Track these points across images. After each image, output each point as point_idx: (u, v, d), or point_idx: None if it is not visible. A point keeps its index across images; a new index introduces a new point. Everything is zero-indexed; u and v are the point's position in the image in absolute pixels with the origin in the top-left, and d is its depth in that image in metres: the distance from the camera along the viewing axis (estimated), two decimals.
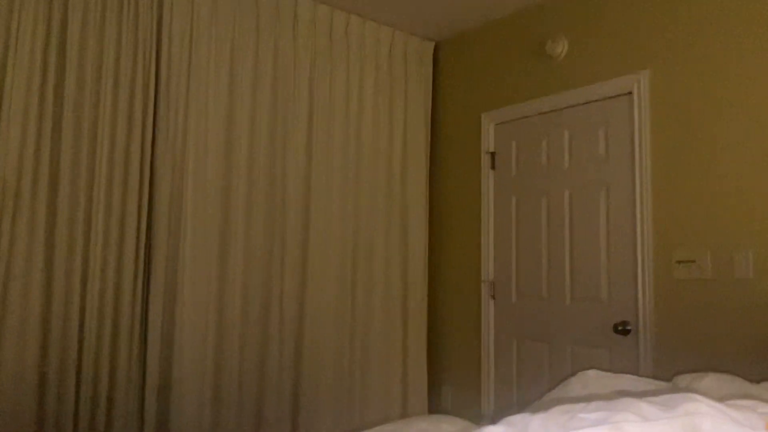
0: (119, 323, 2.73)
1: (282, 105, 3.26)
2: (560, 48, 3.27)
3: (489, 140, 3.65)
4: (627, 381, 1.65)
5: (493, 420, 2.85)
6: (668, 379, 2.26)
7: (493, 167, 3.62)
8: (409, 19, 3.69)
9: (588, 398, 1.25)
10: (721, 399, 1.18)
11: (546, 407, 0.91)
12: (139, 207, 2.81)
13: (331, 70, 3.47)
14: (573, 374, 1.92)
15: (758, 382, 2.01)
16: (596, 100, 3.14)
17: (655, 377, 2.71)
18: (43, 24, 2.61)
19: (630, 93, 2.99)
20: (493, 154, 3.63)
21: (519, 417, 0.83)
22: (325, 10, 3.47)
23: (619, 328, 2.91)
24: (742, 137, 2.58)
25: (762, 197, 2.51)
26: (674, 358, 2.72)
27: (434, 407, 3.76)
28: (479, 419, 3.47)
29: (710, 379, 1.54)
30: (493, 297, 3.54)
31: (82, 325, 2.65)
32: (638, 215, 2.90)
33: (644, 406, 0.83)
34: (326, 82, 3.44)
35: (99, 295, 2.68)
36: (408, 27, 3.79)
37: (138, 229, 2.80)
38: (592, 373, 1.75)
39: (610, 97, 3.08)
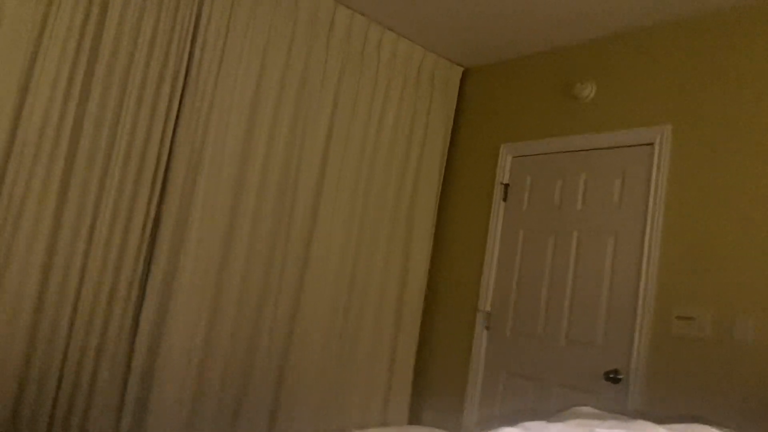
0: (114, 302, 2.70)
1: (304, 110, 3.27)
2: (588, 91, 3.31)
3: (504, 171, 3.66)
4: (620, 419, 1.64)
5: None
6: None
7: (505, 199, 3.64)
8: (442, 42, 3.73)
9: (602, 416, 1.24)
10: None
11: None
12: (150, 195, 2.79)
13: (359, 81, 3.49)
14: (564, 409, 1.91)
15: None
16: (617, 147, 3.16)
17: None
18: (84, 4, 2.62)
19: (651, 144, 3.01)
20: (506, 186, 3.64)
21: (536, 423, 0.82)
22: (362, 21, 3.50)
23: (610, 375, 2.89)
24: (755, 201, 2.60)
25: None
26: (663, 412, 2.69)
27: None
28: None
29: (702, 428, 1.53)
30: (488, 328, 3.53)
31: (76, 303, 2.61)
32: (644, 266, 2.90)
33: (660, 429, 0.82)
34: (352, 93, 3.46)
35: (98, 272, 2.66)
36: (439, 49, 3.83)
37: (146, 215, 2.78)
38: (586, 409, 1.74)
39: (631, 146, 3.10)
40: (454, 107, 3.98)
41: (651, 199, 2.95)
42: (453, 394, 3.59)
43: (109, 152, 2.69)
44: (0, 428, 2.41)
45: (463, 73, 4.06)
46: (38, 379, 2.51)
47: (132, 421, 2.74)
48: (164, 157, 2.84)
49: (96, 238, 2.65)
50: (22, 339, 2.48)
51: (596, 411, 1.69)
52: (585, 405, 1.93)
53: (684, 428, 0.87)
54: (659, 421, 2.47)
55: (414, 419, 3.74)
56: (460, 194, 3.89)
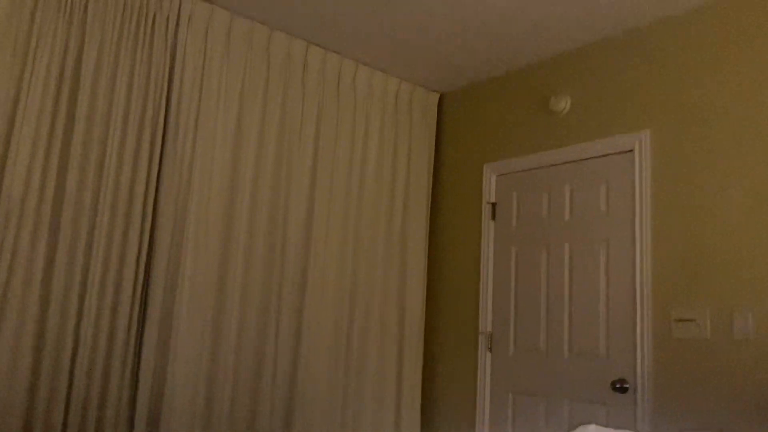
0: (112, 353, 2.69)
1: (287, 150, 3.30)
2: (563, 104, 3.34)
3: (490, 191, 3.68)
4: None
5: None
6: None
7: (493, 218, 3.65)
8: (416, 71, 3.78)
9: None
10: None
11: None
12: (140, 247, 2.80)
13: (338, 117, 3.53)
14: (572, 428, 1.89)
15: None
16: (598, 157, 3.19)
17: None
18: (59, 55, 2.66)
19: (631, 151, 3.04)
20: (494, 205, 3.66)
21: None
22: (335, 59, 3.55)
23: (617, 385, 2.88)
24: (741, 197, 2.62)
25: (762, 258, 2.52)
26: (673, 418, 2.68)
27: None
28: None
29: None
30: (490, 349, 3.51)
31: (74, 355, 2.60)
32: (638, 272, 2.90)
33: None
34: (332, 129, 3.49)
35: (94, 323, 2.65)
36: (414, 78, 3.87)
37: (137, 264, 2.79)
38: (592, 428, 1.73)
39: (612, 154, 3.13)
40: (435, 132, 4.02)
41: (637, 205, 2.96)
42: (463, 417, 3.56)
43: (95, 205, 2.70)
44: None
45: (441, 98, 4.10)
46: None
47: None
48: (150, 208, 2.85)
49: (89, 292, 2.64)
50: (23, 394, 2.46)
51: (603, 428, 1.68)
52: (591, 423, 1.91)
53: None
54: None
55: None
56: (449, 217, 3.90)
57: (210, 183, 3.01)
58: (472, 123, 3.88)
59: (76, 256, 2.63)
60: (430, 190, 3.93)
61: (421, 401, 3.71)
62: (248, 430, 3.04)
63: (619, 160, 3.09)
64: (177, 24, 3.01)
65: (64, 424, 2.56)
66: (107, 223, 2.72)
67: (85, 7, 2.75)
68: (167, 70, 2.96)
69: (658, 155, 2.93)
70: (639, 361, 2.82)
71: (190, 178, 2.94)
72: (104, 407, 2.66)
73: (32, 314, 2.51)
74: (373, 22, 3.23)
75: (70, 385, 2.59)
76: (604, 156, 3.16)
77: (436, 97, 4.04)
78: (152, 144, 2.88)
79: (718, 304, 2.61)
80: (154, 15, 2.94)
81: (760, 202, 2.56)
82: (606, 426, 2.83)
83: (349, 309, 3.46)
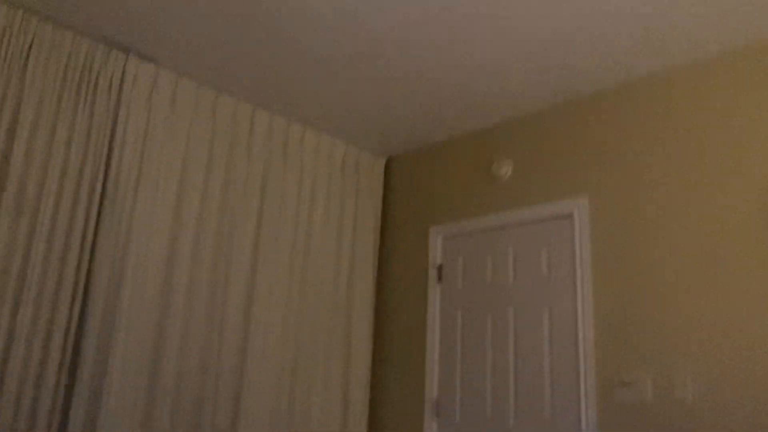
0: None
1: (230, 213, 3.26)
2: (505, 169, 3.42)
3: (436, 253, 3.69)
4: None
5: None
6: None
7: (440, 281, 3.64)
8: (362, 135, 3.83)
9: None
10: None
11: None
12: (69, 319, 2.65)
13: (283, 179, 3.52)
14: None
15: None
16: (538, 221, 3.25)
17: None
18: None
19: (570, 215, 3.11)
20: (440, 268, 3.66)
21: None
22: (281, 121, 3.57)
23: None
24: (677, 261, 2.69)
25: (699, 319, 2.58)
26: None
27: None
28: None
29: None
30: (437, 415, 3.44)
31: None
32: (580, 335, 2.92)
33: None
34: (278, 191, 3.47)
35: (16, 391, 2.48)
36: (361, 142, 3.92)
37: (65, 339, 2.63)
38: None
39: (552, 219, 3.20)
40: (381, 195, 4.04)
41: (578, 269, 3.01)
42: None
43: (23, 274, 2.57)
44: None
45: (387, 162, 4.15)
46: None
47: None
48: (82, 277, 2.71)
49: (13, 358, 2.48)
50: None
51: None
52: None
53: None
54: None
55: None
56: (396, 280, 3.88)
57: (148, 250, 2.91)
58: (418, 186, 3.93)
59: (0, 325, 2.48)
60: (377, 253, 3.92)
61: None
62: None
63: (559, 224, 3.16)
64: (121, 84, 2.97)
65: None
66: (34, 294, 2.57)
67: (26, 61, 2.69)
68: (109, 130, 2.89)
69: (596, 220, 3.01)
70: (584, 426, 2.80)
71: (127, 246, 2.83)
72: None
73: None
74: (321, 88, 3.28)
75: None
76: (544, 220, 3.23)
77: (382, 161, 4.09)
78: (88, 209, 2.77)
79: (658, 367, 2.64)
80: (98, 74, 2.91)
81: (694, 266, 2.64)
82: None
83: (290, 378, 3.34)
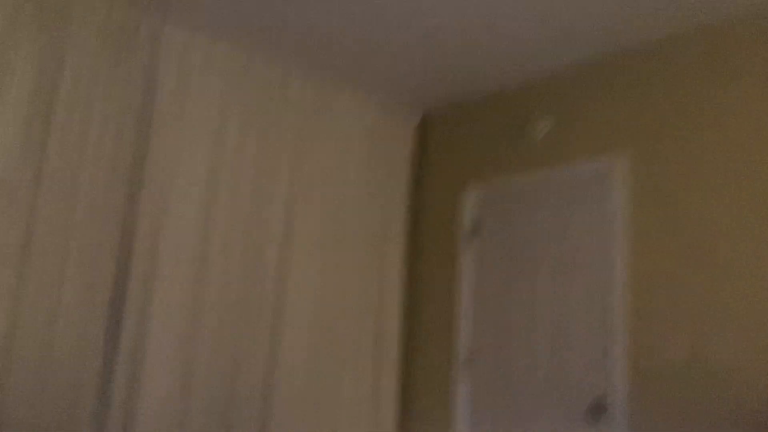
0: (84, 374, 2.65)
1: (264, 172, 3.28)
2: (543, 127, 3.36)
3: (470, 212, 3.67)
4: None
5: None
6: None
7: (472, 241, 3.63)
8: (396, 93, 3.79)
9: None
10: None
11: None
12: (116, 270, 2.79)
13: (317, 138, 3.52)
14: None
15: None
16: (576, 179, 3.19)
17: None
18: (36, 65, 2.66)
19: (609, 174, 3.04)
20: (474, 226, 3.65)
21: None
22: (314, 80, 3.55)
23: (594, 410, 2.85)
24: (720, 221, 2.62)
25: (740, 284, 2.51)
26: None
27: None
28: None
29: None
30: (468, 372, 3.47)
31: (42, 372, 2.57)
32: (615, 295, 2.89)
33: None
34: (310, 150, 3.48)
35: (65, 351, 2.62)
36: (395, 100, 3.88)
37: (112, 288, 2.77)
38: None
39: (590, 177, 3.13)
40: (414, 155, 4.01)
41: (615, 228, 2.96)
42: None
43: (67, 237, 2.68)
44: None
45: (422, 120, 4.11)
46: None
47: None
48: (126, 235, 2.83)
49: (60, 319, 2.62)
50: None
51: None
52: None
53: None
54: None
55: None
56: (427, 240, 3.89)
57: (184, 212, 2.99)
58: (453, 146, 3.89)
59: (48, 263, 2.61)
60: (410, 212, 3.92)
61: (397, 423, 3.66)
62: None
63: (597, 182, 3.10)
64: (156, 44, 3.00)
65: None
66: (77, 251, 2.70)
67: (66, 19, 2.74)
68: (144, 90, 2.94)
69: (637, 178, 2.93)
70: (616, 385, 2.80)
71: (165, 207, 2.93)
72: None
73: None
74: (353, 45, 3.25)
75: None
76: (583, 179, 3.17)
77: (417, 119, 4.05)
78: (130, 166, 2.87)
79: (695, 331, 2.60)
80: (135, 31, 2.93)
81: (737, 228, 2.56)
82: None
83: (325, 338, 3.41)
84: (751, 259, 2.50)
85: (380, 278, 3.71)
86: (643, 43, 3.02)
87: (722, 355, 2.50)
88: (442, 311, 3.68)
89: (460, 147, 3.84)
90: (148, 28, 2.98)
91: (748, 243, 2.52)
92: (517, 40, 3.09)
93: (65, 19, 2.75)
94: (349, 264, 3.58)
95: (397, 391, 3.68)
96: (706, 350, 2.55)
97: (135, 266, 2.83)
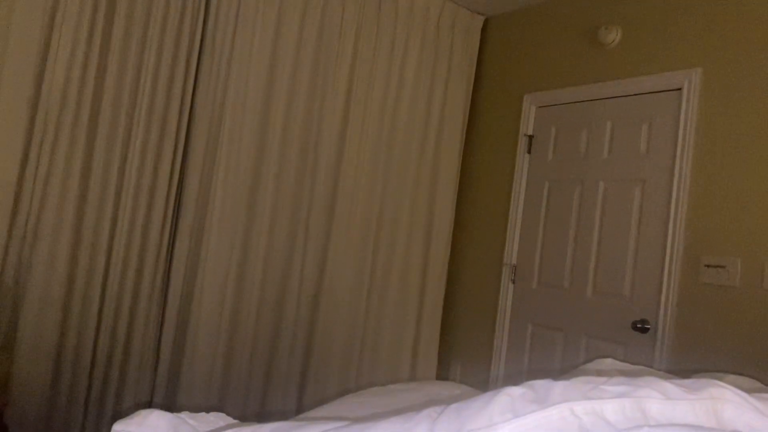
0: (144, 263, 2.78)
1: (323, 66, 3.24)
2: (613, 36, 3.20)
3: (529, 122, 3.60)
4: (642, 371, 1.64)
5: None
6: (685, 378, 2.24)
7: (529, 151, 3.58)
8: None
9: (610, 373, 1.24)
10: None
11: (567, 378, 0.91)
12: (174, 155, 2.84)
13: (377, 34, 3.43)
14: (588, 361, 1.91)
15: None
16: (644, 93, 3.07)
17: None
18: None
19: (680, 89, 2.92)
20: (531, 137, 3.58)
21: (541, 382, 0.83)
22: None
23: (638, 325, 2.88)
24: None
25: None
26: (691, 361, 2.69)
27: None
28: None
29: (730, 379, 1.52)
30: (513, 281, 3.53)
31: (107, 265, 2.70)
32: (672, 214, 2.85)
33: (668, 385, 0.82)
34: (370, 48, 3.40)
35: (127, 233, 2.73)
36: None
37: (171, 175, 2.83)
38: (608, 361, 1.74)
39: (659, 92, 3.01)
40: (476, 58, 3.90)
41: (679, 147, 2.87)
42: (481, 347, 3.63)
43: (132, 112, 2.72)
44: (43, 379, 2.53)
45: (484, 23, 3.96)
46: (77, 330, 2.61)
47: (167, 377, 2.86)
48: (185, 117, 2.87)
49: (123, 198, 2.71)
50: (61, 290, 2.57)
51: (619, 363, 1.69)
52: (609, 356, 1.94)
53: (693, 382, 0.87)
54: (686, 374, 2.47)
55: (443, 373, 3.80)
56: (483, 146, 3.84)
57: (245, 100, 2.98)
58: (516, 51, 3.75)
59: (111, 165, 2.68)
60: (467, 116, 3.85)
61: (441, 327, 3.77)
62: (272, 354, 3.15)
63: (666, 98, 2.98)
64: None
65: (96, 333, 2.68)
66: (142, 132, 2.74)
67: None
68: None
69: (708, 96, 2.81)
70: (663, 302, 2.81)
71: (225, 90, 2.92)
72: (134, 317, 2.77)
73: (69, 220, 2.58)
74: None
75: (105, 284, 2.70)
76: (651, 93, 3.05)
77: (480, 21, 3.89)
78: (188, 61, 2.86)
79: (751, 253, 2.56)
80: None
81: None
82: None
83: (375, 231, 3.47)
84: None
85: (434, 177, 3.70)
86: None
87: None
88: (494, 218, 3.70)
89: (524, 53, 3.70)
90: None
91: None
92: None
93: None
94: (404, 161, 3.57)
95: (442, 299, 3.77)
96: (759, 273, 2.52)
97: (194, 153, 2.89)
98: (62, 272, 2.56)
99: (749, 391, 1.40)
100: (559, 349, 3.25)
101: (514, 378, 3.43)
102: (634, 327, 2.89)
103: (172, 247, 2.89)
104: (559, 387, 0.80)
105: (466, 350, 3.71)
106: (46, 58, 2.51)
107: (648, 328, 2.87)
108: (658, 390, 0.80)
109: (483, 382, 3.54)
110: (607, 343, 3.03)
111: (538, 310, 3.38)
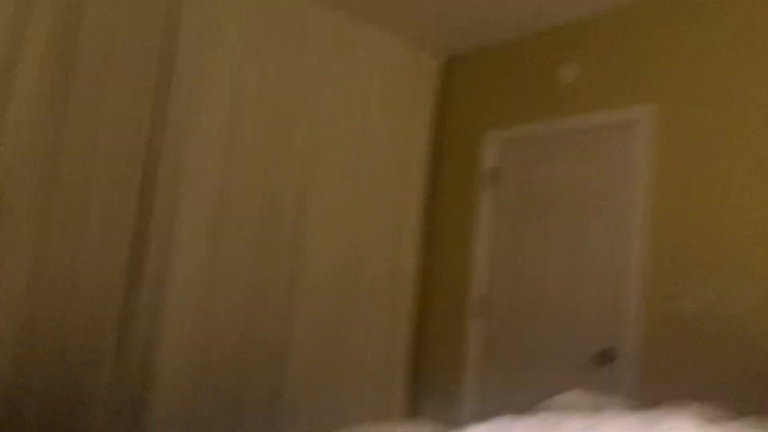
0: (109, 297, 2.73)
1: (284, 109, 3.25)
2: (570, 73, 3.30)
3: (491, 158, 3.66)
4: (611, 403, 1.65)
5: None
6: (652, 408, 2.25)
7: (492, 185, 3.64)
8: (421, 33, 3.72)
9: (577, 407, 1.25)
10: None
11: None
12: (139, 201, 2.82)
13: (338, 75, 3.47)
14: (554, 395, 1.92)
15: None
16: (601, 128, 3.17)
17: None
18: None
19: (636, 124, 3.01)
20: (493, 172, 3.64)
21: (504, 419, 0.83)
22: (337, 17, 3.48)
23: (603, 356, 2.92)
24: (743, 178, 2.60)
25: (764, 235, 2.52)
26: (657, 391, 2.71)
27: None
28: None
29: (693, 409, 1.55)
30: (481, 314, 3.54)
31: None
32: (633, 245, 2.91)
33: (629, 418, 0.83)
34: (331, 88, 3.44)
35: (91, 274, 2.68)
36: (420, 40, 3.81)
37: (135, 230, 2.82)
38: (576, 393, 1.76)
39: (615, 126, 3.11)
40: (438, 96, 3.97)
41: (637, 179, 2.95)
42: (449, 382, 3.61)
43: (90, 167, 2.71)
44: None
45: (446, 62, 4.05)
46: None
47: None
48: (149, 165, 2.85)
49: (85, 244, 2.67)
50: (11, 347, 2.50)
51: (586, 396, 1.71)
52: (573, 390, 1.95)
53: (652, 416, 0.88)
54: (653, 404, 2.49)
55: (414, 408, 3.77)
56: (448, 182, 3.89)
57: (208, 139, 2.99)
58: (477, 88, 3.84)
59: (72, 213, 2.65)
60: (431, 154, 3.91)
61: (410, 363, 3.75)
62: (238, 378, 3.10)
63: (622, 132, 3.07)
64: None
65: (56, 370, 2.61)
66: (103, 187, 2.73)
67: None
68: (167, 19, 2.91)
69: (663, 130, 2.90)
70: (627, 333, 2.85)
71: (189, 132, 2.93)
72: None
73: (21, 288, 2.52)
74: None
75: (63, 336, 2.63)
76: (607, 128, 3.14)
77: (440, 61, 3.99)
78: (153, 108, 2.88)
79: (712, 282, 2.62)
80: None
81: (761, 184, 2.55)
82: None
83: (342, 270, 3.46)
84: (765, 210, 2.50)
85: (399, 216, 3.73)
86: None
87: (738, 309, 2.53)
88: (458, 254, 3.72)
89: (484, 91, 3.79)
90: None
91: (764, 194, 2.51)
92: None
93: None
94: (368, 201, 3.59)
95: (411, 331, 3.76)
96: (721, 302, 2.58)
97: (158, 198, 2.87)
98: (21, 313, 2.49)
99: (712, 419, 1.42)
100: (528, 380, 3.25)
101: (485, 413, 3.41)
102: (600, 358, 2.92)
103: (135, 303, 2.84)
104: (521, 424, 0.81)
105: (435, 386, 3.69)
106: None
107: (613, 359, 2.90)
108: (618, 425, 0.81)
109: (453, 418, 3.51)
110: (574, 375, 3.05)
111: (506, 343, 3.39)
